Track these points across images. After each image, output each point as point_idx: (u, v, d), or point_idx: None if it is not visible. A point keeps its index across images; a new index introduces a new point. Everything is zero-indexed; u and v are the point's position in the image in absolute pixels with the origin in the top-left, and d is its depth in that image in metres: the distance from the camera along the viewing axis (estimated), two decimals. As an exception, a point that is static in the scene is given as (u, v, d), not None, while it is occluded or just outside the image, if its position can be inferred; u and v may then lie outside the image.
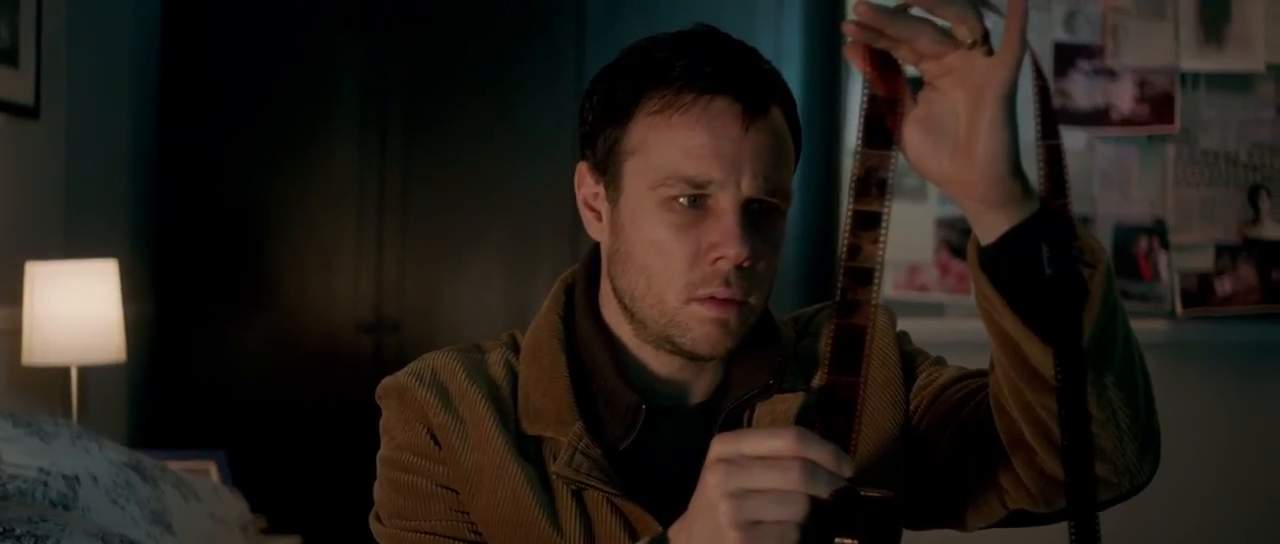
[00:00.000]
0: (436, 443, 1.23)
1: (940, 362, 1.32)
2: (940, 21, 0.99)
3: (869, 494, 0.94)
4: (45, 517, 2.02)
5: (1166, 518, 3.55)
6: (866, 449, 1.24)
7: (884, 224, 0.98)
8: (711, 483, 0.95)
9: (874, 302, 0.98)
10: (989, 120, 0.98)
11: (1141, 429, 1.09)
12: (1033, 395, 1.06)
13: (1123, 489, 1.12)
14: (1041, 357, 1.03)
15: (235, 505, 2.75)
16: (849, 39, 0.99)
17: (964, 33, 0.98)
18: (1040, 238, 1.01)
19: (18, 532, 1.93)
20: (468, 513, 1.23)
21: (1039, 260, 1.01)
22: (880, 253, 0.98)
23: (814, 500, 0.92)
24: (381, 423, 1.28)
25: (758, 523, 0.93)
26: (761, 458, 0.94)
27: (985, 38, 0.98)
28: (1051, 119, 1.00)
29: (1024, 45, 0.97)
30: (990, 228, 1.02)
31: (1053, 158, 1.00)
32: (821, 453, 0.93)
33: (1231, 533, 3.59)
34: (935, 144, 1.02)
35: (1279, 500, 3.59)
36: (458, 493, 1.23)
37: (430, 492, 1.23)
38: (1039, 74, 1.01)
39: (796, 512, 0.92)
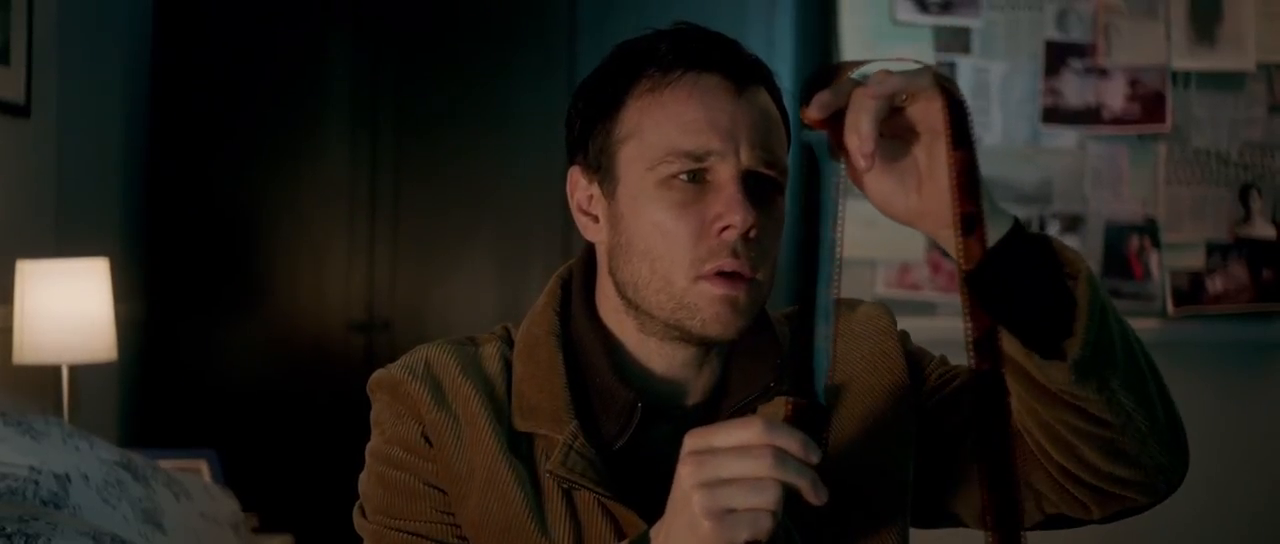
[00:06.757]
0: (428, 441, 1.22)
1: (945, 361, 1.32)
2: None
3: None
4: (36, 515, 2.01)
5: (1159, 516, 3.54)
6: (870, 451, 1.24)
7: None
8: (684, 475, 0.97)
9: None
10: (946, 144, 1.01)
11: (1163, 429, 1.10)
12: (1049, 412, 1.07)
13: (1158, 491, 1.13)
14: (1045, 373, 1.03)
15: (227, 504, 2.75)
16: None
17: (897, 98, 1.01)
18: (1018, 255, 1.02)
19: (8, 530, 1.93)
20: (453, 514, 1.22)
21: (1022, 278, 1.02)
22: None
23: (786, 488, 0.94)
24: (372, 415, 1.27)
25: (731, 511, 0.95)
26: (732, 448, 0.95)
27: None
28: (965, 133, 1.01)
29: (938, 80, 1.01)
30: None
31: (965, 168, 1.01)
32: (790, 440, 0.95)
33: (1225, 531, 3.59)
34: (899, 182, 1.05)
35: (1272, 498, 3.60)
36: (445, 493, 1.22)
37: (417, 490, 1.22)
38: (953, 91, 1.03)
39: (768, 499, 0.94)
